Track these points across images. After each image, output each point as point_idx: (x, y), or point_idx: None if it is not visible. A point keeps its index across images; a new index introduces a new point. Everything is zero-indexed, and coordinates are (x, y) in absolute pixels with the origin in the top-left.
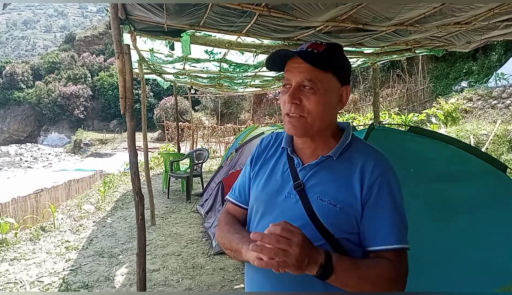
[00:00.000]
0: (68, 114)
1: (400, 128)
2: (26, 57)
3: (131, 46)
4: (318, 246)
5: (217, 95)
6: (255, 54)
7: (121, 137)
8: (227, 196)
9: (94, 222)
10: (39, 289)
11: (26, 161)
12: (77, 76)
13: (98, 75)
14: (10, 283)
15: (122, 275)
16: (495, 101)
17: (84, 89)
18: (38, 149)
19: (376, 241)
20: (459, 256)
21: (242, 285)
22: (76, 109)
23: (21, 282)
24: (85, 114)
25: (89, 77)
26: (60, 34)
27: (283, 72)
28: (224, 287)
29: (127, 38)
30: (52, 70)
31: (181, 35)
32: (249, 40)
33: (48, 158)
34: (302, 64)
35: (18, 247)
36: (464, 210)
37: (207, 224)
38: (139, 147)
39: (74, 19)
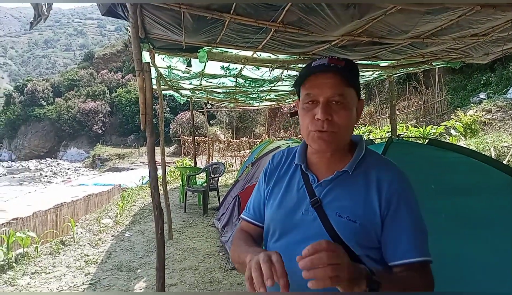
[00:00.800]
0: (87, 130)
1: (418, 141)
2: (46, 75)
3: (150, 64)
4: (356, 264)
5: (232, 110)
6: (270, 69)
7: (138, 152)
8: (241, 215)
9: (112, 236)
10: None
11: (46, 176)
12: (96, 93)
13: (116, 92)
14: None
15: (141, 289)
16: None
17: (102, 105)
18: (58, 164)
19: (397, 254)
20: (480, 271)
21: None
22: (95, 125)
23: None
24: (104, 129)
25: (107, 93)
26: (79, 52)
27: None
28: None
29: (146, 56)
30: (72, 87)
31: (198, 51)
32: (264, 55)
33: (67, 173)
34: (330, 79)
35: (39, 261)
36: (486, 225)
37: (224, 238)
38: (157, 161)
39: (93, 37)
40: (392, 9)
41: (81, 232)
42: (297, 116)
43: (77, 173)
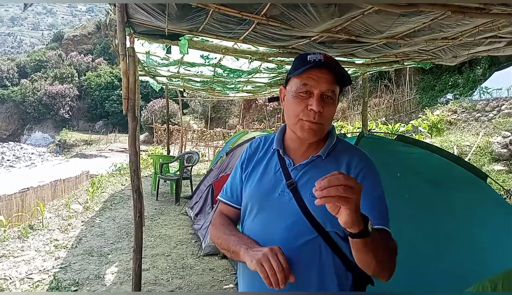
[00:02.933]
0: (53, 114)
1: (387, 136)
2: (12, 54)
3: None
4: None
5: (206, 99)
6: (250, 60)
7: (107, 139)
8: (218, 197)
9: (82, 221)
10: (29, 285)
11: (8, 160)
12: (64, 75)
13: (85, 75)
14: None
15: (113, 273)
16: (478, 114)
17: (70, 89)
18: (21, 148)
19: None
20: (440, 256)
21: (231, 285)
22: (62, 109)
23: (10, 278)
24: (71, 114)
25: (76, 76)
26: (48, 32)
27: (277, 79)
28: (214, 287)
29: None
30: (39, 68)
31: (180, 39)
32: (245, 46)
33: (31, 157)
34: (327, 75)
35: (6, 245)
36: (447, 214)
37: (196, 226)
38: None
39: (63, 17)
40: (370, 10)
41: (50, 217)
42: (275, 103)
43: (42, 158)
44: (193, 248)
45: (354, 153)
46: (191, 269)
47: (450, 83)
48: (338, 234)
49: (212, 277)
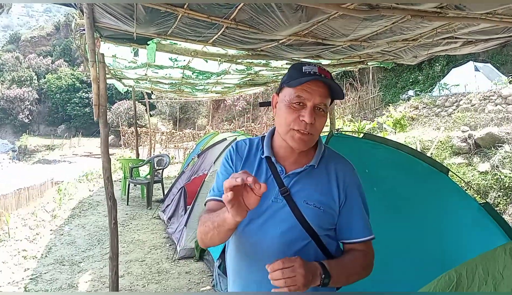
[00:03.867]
0: (12, 118)
1: (355, 135)
2: None
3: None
4: (313, 262)
5: (174, 100)
6: (219, 63)
7: (70, 143)
8: (207, 197)
9: (51, 230)
10: None
11: None
12: (22, 79)
13: (45, 78)
14: None
15: (86, 282)
16: (439, 109)
17: (29, 92)
18: None
19: (351, 235)
20: (408, 249)
21: (208, 287)
22: (21, 113)
23: None
24: (31, 118)
25: (35, 79)
26: (3, 33)
27: (246, 79)
28: (191, 290)
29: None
30: None
31: (148, 43)
32: (214, 49)
33: None
34: (322, 88)
35: None
36: (413, 208)
37: (170, 229)
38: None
39: (18, 18)
40: (335, 14)
41: (16, 227)
42: (265, 107)
43: (1, 165)
44: (168, 252)
45: (341, 165)
46: (167, 273)
47: (411, 80)
48: (329, 236)
49: (189, 280)
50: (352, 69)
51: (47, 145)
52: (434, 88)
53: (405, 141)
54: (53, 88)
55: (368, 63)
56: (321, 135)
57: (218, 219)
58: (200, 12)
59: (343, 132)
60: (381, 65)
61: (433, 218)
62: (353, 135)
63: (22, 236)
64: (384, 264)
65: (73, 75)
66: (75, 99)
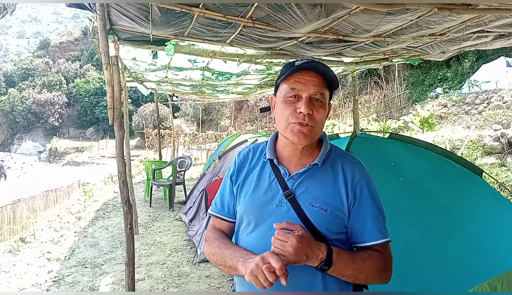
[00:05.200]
0: (43, 122)
1: (380, 135)
2: None
3: (118, 57)
4: (321, 243)
5: (197, 102)
6: (238, 63)
7: (98, 145)
8: (209, 211)
9: (75, 232)
10: None
11: None
12: (52, 83)
13: (73, 82)
14: None
15: (107, 285)
16: (468, 107)
17: (59, 96)
18: (12, 158)
19: (365, 238)
20: (438, 253)
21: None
22: (51, 117)
23: None
24: (60, 121)
25: (64, 84)
26: (34, 39)
27: (266, 80)
28: None
29: (110, 47)
30: (26, 77)
31: (165, 44)
32: (232, 49)
33: (22, 167)
34: (315, 78)
35: None
36: (444, 212)
37: (191, 232)
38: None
39: (48, 24)
40: (356, 9)
41: (42, 229)
42: (268, 112)
43: (33, 167)
44: (189, 255)
45: (349, 163)
46: (187, 277)
47: (439, 77)
48: (339, 241)
49: (209, 284)
50: (376, 67)
51: (76, 147)
52: (463, 85)
53: (433, 141)
54: (82, 92)
55: (393, 60)
56: (344, 135)
57: (231, 263)
58: (216, 11)
59: (367, 132)
60: (407, 62)
61: (465, 222)
62: (378, 135)
63: (47, 238)
64: (411, 268)
65: (100, 79)
66: (103, 102)
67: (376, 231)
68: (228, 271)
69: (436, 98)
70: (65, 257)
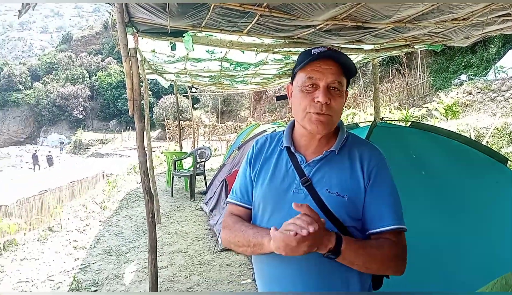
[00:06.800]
0: (67, 115)
1: (401, 124)
2: (23, 58)
3: (137, 49)
4: (331, 232)
5: (216, 93)
6: (256, 53)
7: (121, 137)
8: (228, 199)
9: (100, 221)
10: (50, 287)
11: (26, 162)
12: (75, 77)
13: (96, 75)
14: (21, 282)
15: (131, 272)
16: (494, 94)
17: (82, 89)
18: (38, 150)
19: (377, 223)
20: (459, 245)
21: (249, 280)
22: (75, 110)
23: (32, 281)
24: (84, 114)
25: (87, 77)
26: (57, 34)
27: (285, 69)
28: (232, 283)
29: (129, 40)
30: (50, 71)
31: (183, 35)
32: (250, 39)
33: (49, 158)
34: (333, 66)
35: (27, 247)
36: (467, 201)
37: (212, 221)
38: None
39: (70, 19)
40: None
41: (68, 218)
42: (284, 100)
43: (59, 159)
44: (210, 244)
45: (366, 149)
46: (209, 265)
47: (463, 64)
48: (356, 228)
49: (230, 273)
50: (398, 54)
51: (100, 139)
52: (489, 71)
53: (457, 129)
54: (104, 85)
55: (415, 47)
56: (364, 125)
57: (255, 241)
58: (232, 1)
59: (388, 121)
60: (430, 48)
61: (490, 213)
62: (400, 124)
63: (73, 227)
64: (431, 260)
65: (121, 71)
66: (124, 95)
67: (389, 216)
68: (252, 251)
69: (461, 85)
70: (91, 245)
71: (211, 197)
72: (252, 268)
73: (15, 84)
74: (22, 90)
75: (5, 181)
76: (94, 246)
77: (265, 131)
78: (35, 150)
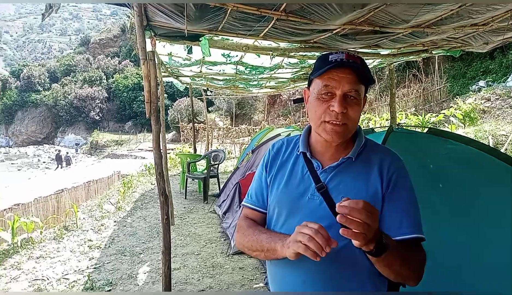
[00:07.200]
0: (84, 116)
1: (418, 130)
2: (42, 60)
3: (154, 52)
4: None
5: (231, 96)
6: (271, 56)
7: (136, 138)
8: (243, 202)
9: (115, 221)
10: (65, 286)
11: (43, 162)
12: (93, 79)
13: (113, 77)
14: (37, 280)
15: (145, 273)
16: None
17: (99, 91)
18: (55, 150)
19: (396, 231)
20: (479, 257)
21: (261, 284)
22: (92, 111)
23: (47, 278)
24: (101, 115)
25: (104, 79)
26: (75, 37)
27: (300, 73)
28: (244, 286)
29: (147, 43)
30: (68, 73)
31: (200, 39)
32: (265, 43)
33: (67, 159)
34: (349, 75)
35: (43, 246)
36: (481, 213)
37: (225, 224)
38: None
39: (88, 22)
40: None
41: (84, 218)
42: (298, 104)
43: (75, 159)
44: (222, 247)
45: (385, 155)
46: (221, 268)
47: (482, 70)
48: None
49: (242, 276)
50: (415, 59)
51: (116, 141)
52: (508, 77)
53: (475, 136)
54: (121, 87)
55: (432, 52)
56: (379, 130)
57: (268, 246)
58: (250, 5)
59: (404, 127)
60: (448, 54)
61: (509, 224)
62: (416, 130)
63: (88, 226)
64: (449, 273)
65: (138, 74)
66: (140, 97)
67: (409, 225)
68: (265, 255)
69: (479, 92)
70: (105, 245)
71: (224, 200)
72: (265, 272)
73: (34, 85)
74: (41, 91)
75: (23, 180)
76: (109, 246)
77: (279, 135)
78: (58, 151)
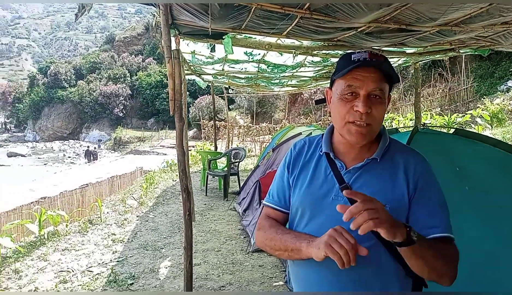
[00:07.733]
0: (109, 112)
1: (444, 130)
2: (68, 57)
3: (179, 51)
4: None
5: (251, 94)
6: (294, 55)
7: (158, 135)
8: (264, 201)
9: (137, 216)
10: (89, 278)
11: (69, 157)
12: (117, 76)
13: (136, 75)
14: (63, 271)
15: (166, 267)
16: None
17: (123, 88)
18: (80, 145)
19: (427, 231)
20: (502, 263)
21: (281, 283)
22: (116, 108)
23: (72, 270)
24: (124, 112)
25: (128, 76)
26: (101, 35)
27: (322, 72)
28: (264, 284)
29: (172, 41)
30: (93, 70)
31: (223, 37)
32: (288, 41)
33: (91, 154)
34: (373, 74)
35: (69, 239)
36: (508, 218)
37: (245, 222)
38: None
39: (113, 20)
40: None
41: (108, 212)
42: (323, 104)
43: (99, 155)
44: (242, 244)
45: (410, 156)
46: (241, 265)
47: (510, 69)
48: None
49: (262, 274)
50: (441, 58)
51: (138, 137)
52: None
53: (503, 138)
54: (144, 85)
55: (460, 51)
56: (403, 130)
57: (293, 246)
58: (273, 3)
59: (430, 127)
60: (476, 53)
61: None
62: (442, 130)
63: (112, 221)
64: (476, 271)
65: (161, 72)
66: (163, 94)
67: (439, 224)
68: (288, 255)
69: (508, 92)
70: (128, 239)
71: (244, 198)
72: (284, 271)
73: (60, 81)
74: (67, 87)
75: (49, 174)
76: (132, 240)
77: (300, 133)
78: (87, 147)
